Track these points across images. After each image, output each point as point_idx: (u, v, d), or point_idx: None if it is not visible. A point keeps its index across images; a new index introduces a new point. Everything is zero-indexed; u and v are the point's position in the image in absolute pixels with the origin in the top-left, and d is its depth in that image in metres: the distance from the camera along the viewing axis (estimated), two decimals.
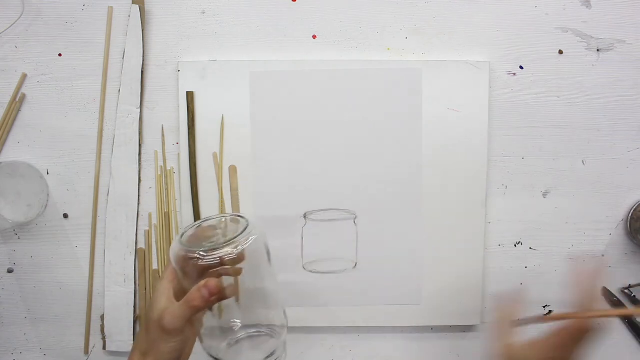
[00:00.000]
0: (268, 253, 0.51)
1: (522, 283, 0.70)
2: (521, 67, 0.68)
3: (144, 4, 0.67)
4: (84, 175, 0.69)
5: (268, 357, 0.50)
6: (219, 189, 0.68)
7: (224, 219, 0.54)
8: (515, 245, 0.70)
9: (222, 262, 0.46)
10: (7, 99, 0.68)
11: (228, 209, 0.68)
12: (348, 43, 0.68)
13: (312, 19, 0.68)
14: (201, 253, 0.46)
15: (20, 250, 0.70)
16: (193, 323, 0.48)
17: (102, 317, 0.70)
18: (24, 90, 0.68)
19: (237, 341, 0.49)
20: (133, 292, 0.69)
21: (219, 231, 0.51)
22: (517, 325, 0.51)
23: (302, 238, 0.68)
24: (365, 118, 0.67)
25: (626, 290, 0.70)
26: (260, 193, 0.68)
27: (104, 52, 0.68)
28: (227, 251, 0.46)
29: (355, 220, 0.68)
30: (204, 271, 0.46)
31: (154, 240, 0.70)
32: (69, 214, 0.70)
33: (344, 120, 0.67)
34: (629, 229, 0.69)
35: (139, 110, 0.68)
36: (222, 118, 0.67)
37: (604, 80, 0.68)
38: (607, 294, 0.70)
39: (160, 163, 0.69)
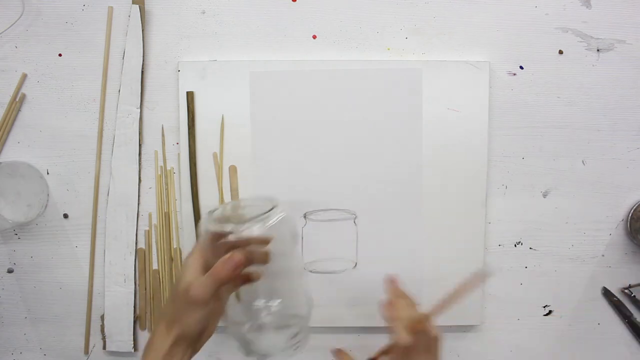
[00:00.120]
0: (294, 236, 0.52)
1: (522, 283, 0.71)
2: (521, 67, 0.68)
3: (144, 4, 0.67)
4: (84, 175, 0.69)
5: (292, 338, 0.51)
6: (219, 189, 0.68)
7: (251, 202, 0.55)
8: (515, 245, 0.70)
9: (249, 241, 0.47)
10: (7, 99, 0.68)
11: None
12: (348, 43, 0.68)
13: (312, 19, 0.68)
14: (230, 228, 0.47)
15: (20, 250, 0.70)
16: (219, 297, 0.49)
17: (102, 317, 0.70)
18: (24, 90, 0.68)
19: (261, 323, 0.50)
20: (133, 292, 0.69)
21: (247, 210, 0.53)
22: None
23: (302, 238, 0.68)
24: (365, 118, 0.67)
25: (626, 290, 0.70)
26: (260, 193, 0.68)
27: (104, 52, 0.68)
28: (255, 227, 0.47)
29: (355, 220, 0.68)
30: (231, 248, 0.48)
31: (154, 240, 0.70)
32: (69, 214, 0.70)
33: (344, 120, 0.67)
34: (629, 229, 0.69)
35: (139, 110, 0.68)
36: (222, 118, 0.67)
37: (604, 80, 0.68)
38: (607, 294, 0.70)
39: (160, 163, 0.69)
